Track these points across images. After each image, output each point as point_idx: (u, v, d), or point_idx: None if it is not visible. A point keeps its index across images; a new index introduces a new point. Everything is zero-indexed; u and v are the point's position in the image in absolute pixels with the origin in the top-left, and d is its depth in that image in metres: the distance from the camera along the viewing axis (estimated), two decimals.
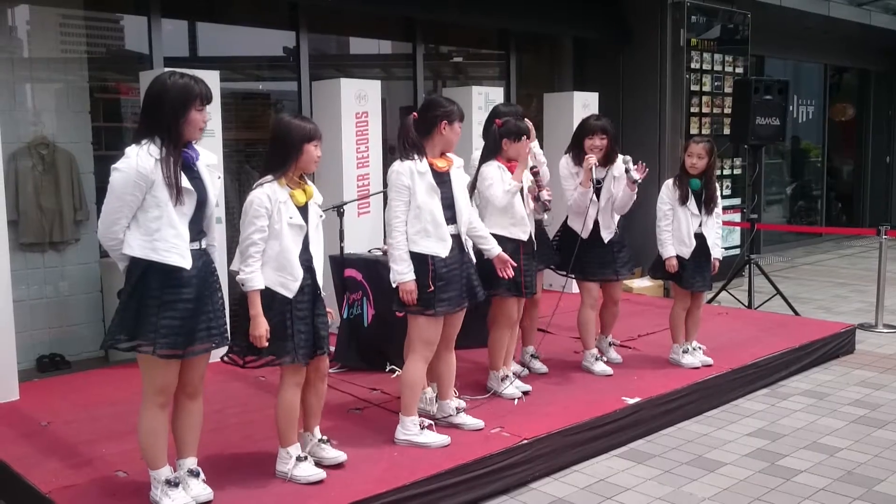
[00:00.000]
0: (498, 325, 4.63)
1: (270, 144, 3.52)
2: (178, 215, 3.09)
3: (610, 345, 5.43)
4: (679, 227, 5.17)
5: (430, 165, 3.87)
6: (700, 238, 5.17)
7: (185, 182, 3.10)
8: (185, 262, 3.10)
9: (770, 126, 7.95)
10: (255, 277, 3.35)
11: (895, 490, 3.88)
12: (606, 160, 5.02)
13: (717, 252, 5.26)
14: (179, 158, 3.10)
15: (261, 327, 3.35)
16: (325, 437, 3.72)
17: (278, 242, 3.38)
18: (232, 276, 3.54)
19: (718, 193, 5.27)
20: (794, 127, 12.92)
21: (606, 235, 5.07)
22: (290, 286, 3.42)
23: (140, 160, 3.03)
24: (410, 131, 3.88)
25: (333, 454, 3.68)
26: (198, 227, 3.21)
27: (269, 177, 3.41)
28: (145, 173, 3.02)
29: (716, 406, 5.06)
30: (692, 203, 5.15)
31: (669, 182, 5.26)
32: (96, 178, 5.87)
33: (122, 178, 3.03)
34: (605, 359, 5.29)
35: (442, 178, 3.90)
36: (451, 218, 3.92)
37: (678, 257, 5.16)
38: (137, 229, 3.09)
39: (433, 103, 3.96)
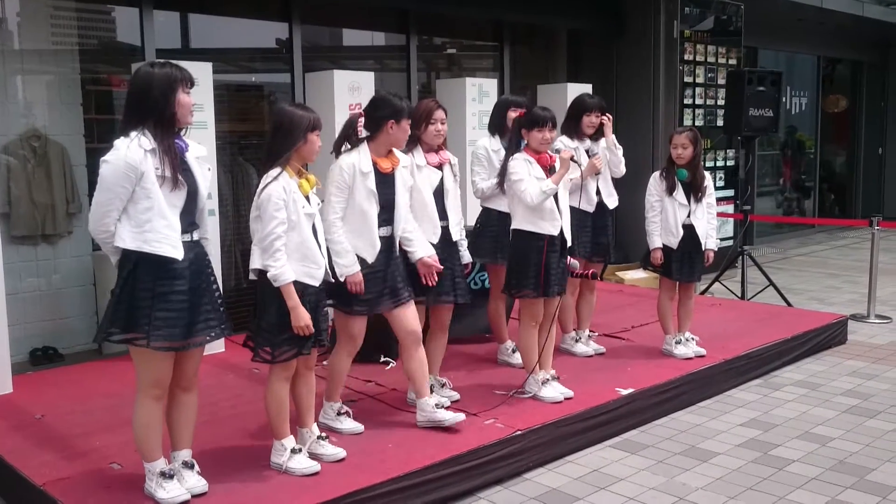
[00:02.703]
0: (523, 325, 4.50)
1: (273, 134, 3.50)
2: (168, 206, 3.07)
3: (585, 338, 5.45)
4: (667, 218, 5.20)
5: (375, 165, 3.86)
6: (689, 228, 5.18)
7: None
8: (177, 253, 3.09)
9: (763, 117, 7.97)
10: (287, 270, 3.36)
11: (887, 479, 3.91)
12: (598, 134, 5.27)
13: (711, 243, 5.26)
14: (173, 144, 3.08)
15: (303, 318, 3.37)
16: (324, 435, 3.72)
17: (297, 233, 3.40)
18: (251, 273, 3.51)
19: (710, 183, 5.29)
20: (787, 118, 12.95)
21: (612, 203, 5.32)
22: (315, 274, 3.46)
23: (129, 151, 3.01)
24: (358, 130, 3.87)
25: (332, 451, 3.68)
26: (189, 219, 3.20)
27: (278, 169, 3.40)
28: (134, 164, 3.01)
29: (709, 396, 5.08)
30: (680, 193, 5.17)
31: (656, 174, 5.29)
32: (88, 171, 5.85)
33: (111, 170, 3.02)
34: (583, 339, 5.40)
35: (384, 179, 3.89)
36: (387, 220, 3.92)
37: (667, 248, 5.19)
38: (128, 221, 3.07)
39: (379, 102, 3.92)
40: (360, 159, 3.83)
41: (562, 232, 4.38)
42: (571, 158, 4.34)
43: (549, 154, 4.41)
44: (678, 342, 5.33)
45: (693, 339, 5.39)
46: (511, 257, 4.49)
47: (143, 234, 3.06)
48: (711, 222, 5.30)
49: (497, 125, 5.12)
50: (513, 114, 4.89)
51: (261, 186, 3.40)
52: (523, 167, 4.32)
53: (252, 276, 3.49)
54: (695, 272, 5.30)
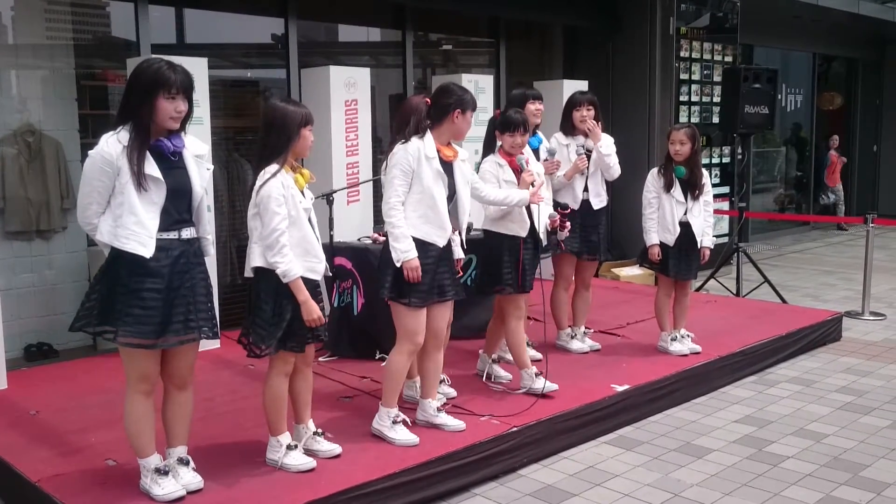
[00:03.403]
0: (509, 319, 4.51)
1: (266, 130, 3.47)
2: (142, 203, 3.05)
3: (581, 334, 5.45)
4: (664, 215, 5.19)
5: (438, 152, 3.84)
6: (686, 226, 5.18)
7: (150, 170, 3.05)
8: (146, 251, 3.05)
9: (759, 114, 7.98)
10: (295, 266, 3.35)
11: (881, 475, 3.93)
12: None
13: (707, 241, 5.25)
14: (145, 145, 3.06)
15: (314, 311, 3.39)
16: (319, 430, 3.71)
17: (297, 229, 3.39)
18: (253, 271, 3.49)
19: (708, 181, 5.28)
20: (788, 116, 12.98)
21: (597, 203, 5.22)
22: (317, 269, 3.47)
23: (107, 146, 3.04)
24: (422, 115, 3.88)
25: (328, 447, 3.68)
26: (175, 217, 3.16)
27: (276, 166, 3.39)
28: (110, 159, 3.02)
29: (704, 393, 5.09)
30: (677, 190, 5.16)
31: (654, 170, 5.28)
32: (83, 166, 5.82)
33: (89, 163, 3.07)
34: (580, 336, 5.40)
35: (446, 167, 3.86)
36: (450, 209, 3.90)
37: (663, 245, 5.19)
38: (110, 215, 3.09)
39: (447, 90, 3.90)
40: (424, 144, 3.80)
41: (533, 232, 4.42)
42: (532, 184, 4.34)
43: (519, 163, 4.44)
44: (674, 339, 5.33)
45: (688, 335, 5.40)
46: (484, 256, 4.51)
47: (115, 229, 3.07)
48: (708, 220, 5.29)
49: None
50: (532, 107, 4.93)
51: (258, 184, 3.38)
52: (494, 172, 4.38)
53: (248, 274, 3.48)
54: (692, 269, 5.30)
